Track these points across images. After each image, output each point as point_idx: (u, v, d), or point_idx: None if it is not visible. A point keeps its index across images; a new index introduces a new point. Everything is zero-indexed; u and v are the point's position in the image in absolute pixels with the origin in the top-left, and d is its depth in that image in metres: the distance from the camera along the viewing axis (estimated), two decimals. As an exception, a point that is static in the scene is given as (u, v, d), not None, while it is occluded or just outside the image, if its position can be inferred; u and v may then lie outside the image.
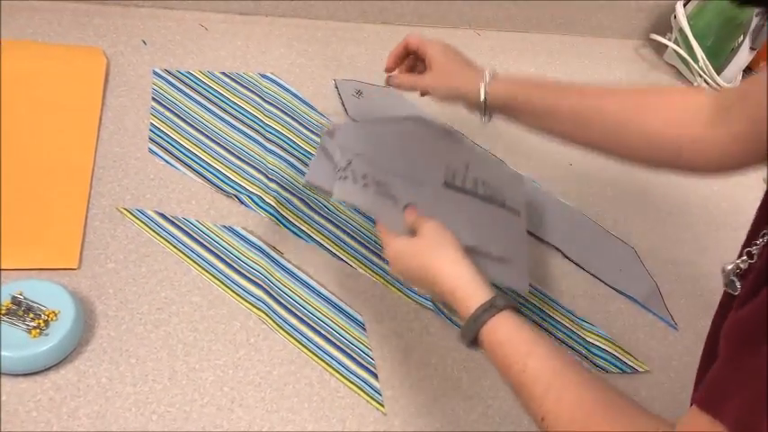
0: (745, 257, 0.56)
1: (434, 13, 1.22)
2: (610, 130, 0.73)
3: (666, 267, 0.97)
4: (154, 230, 0.81)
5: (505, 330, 0.60)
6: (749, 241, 0.57)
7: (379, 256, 0.86)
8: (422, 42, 0.83)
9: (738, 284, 0.56)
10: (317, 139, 0.97)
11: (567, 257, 0.94)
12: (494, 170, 0.88)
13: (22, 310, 0.68)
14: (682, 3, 1.28)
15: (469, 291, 0.63)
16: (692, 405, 0.47)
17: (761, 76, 0.63)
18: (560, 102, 0.75)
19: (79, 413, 0.66)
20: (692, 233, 1.04)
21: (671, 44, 1.30)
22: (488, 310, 0.61)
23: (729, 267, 0.57)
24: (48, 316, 0.68)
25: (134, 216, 0.82)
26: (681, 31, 1.27)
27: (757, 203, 0.58)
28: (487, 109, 0.78)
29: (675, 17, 1.29)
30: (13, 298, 0.69)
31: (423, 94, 0.84)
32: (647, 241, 1.00)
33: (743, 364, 0.43)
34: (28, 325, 0.68)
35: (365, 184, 0.74)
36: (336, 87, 1.05)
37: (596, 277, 0.93)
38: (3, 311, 0.68)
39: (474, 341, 0.62)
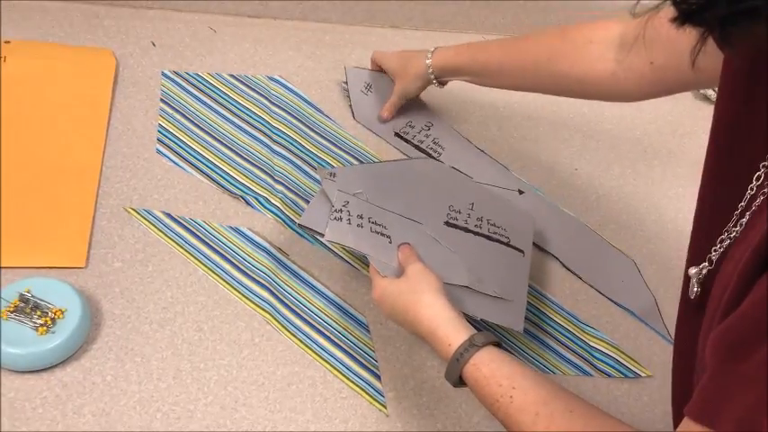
0: (705, 264, 0.56)
1: (442, 17, 1.23)
2: (529, 77, 0.88)
3: (667, 273, 0.97)
4: (160, 230, 0.82)
5: (488, 366, 0.61)
6: (707, 245, 0.56)
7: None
8: (379, 59, 1.03)
9: (696, 289, 0.57)
10: (324, 143, 0.98)
11: (566, 267, 0.94)
12: (501, 209, 0.88)
13: (29, 307, 0.69)
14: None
15: (447, 331, 0.65)
16: (682, 416, 0.47)
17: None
18: (490, 57, 0.90)
19: (84, 411, 0.67)
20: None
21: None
22: (468, 349, 0.62)
23: (694, 271, 0.58)
24: (55, 314, 0.69)
25: (141, 216, 0.83)
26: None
27: None
28: (437, 77, 0.95)
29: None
30: (21, 296, 0.70)
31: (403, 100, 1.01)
32: (648, 249, 1.00)
33: (735, 372, 0.43)
34: (35, 323, 0.68)
35: (359, 225, 0.76)
36: (346, 76, 1.06)
37: (595, 289, 0.93)
38: (10, 309, 0.69)
39: (460, 380, 0.64)
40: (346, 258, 0.86)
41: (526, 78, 0.89)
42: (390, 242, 0.77)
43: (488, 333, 0.65)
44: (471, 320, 0.70)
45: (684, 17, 0.41)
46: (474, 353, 0.62)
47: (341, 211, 0.76)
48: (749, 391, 0.42)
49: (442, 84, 0.97)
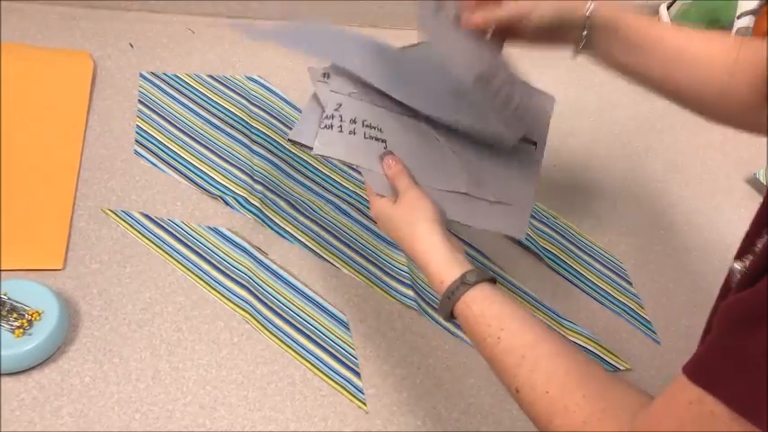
0: (749, 255, 0.54)
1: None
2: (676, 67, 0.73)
3: (648, 267, 0.98)
4: (139, 231, 0.82)
5: (479, 305, 0.61)
6: (751, 241, 0.55)
7: (364, 257, 0.87)
8: None
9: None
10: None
11: (545, 263, 0.95)
12: (518, 89, 0.77)
13: (5, 310, 0.69)
14: (665, 5, 1.30)
15: (441, 266, 0.64)
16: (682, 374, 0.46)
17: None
18: (659, 32, 0.74)
19: (62, 412, 0.67)
20: (675, 228, 1.05)
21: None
22: (459, 287, 0.62)
23: (738, 267, 0.55)
24: (32, 316, 0.69)
25: (119, 217, 0.83)
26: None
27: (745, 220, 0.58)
28: (588, 29, 0.73)
29: (660, 20, 1.30)
30: (-2, 298, 0.70)
31: (500, 30, 0.74)
32: (627, 244, 1.01)
33: (740, 344, 0.43)
34: (11, 325, 0.68)
35: (352, 131, 0.71)
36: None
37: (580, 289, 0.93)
38: (-13, 312, 0.69)
39: (451, 315, 0.63)
40: (325, 257, 0.86)
41: (680, 64, 0.73)
42: (386, 147, 0.72)
43: (483, 270, 0.64)
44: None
45: None
46: (465, 291, 0.62)
47: (332, 117, 0.71)
48: (753, 370, 0.42)
49: (579, 43, 0.75)
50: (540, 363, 0.56)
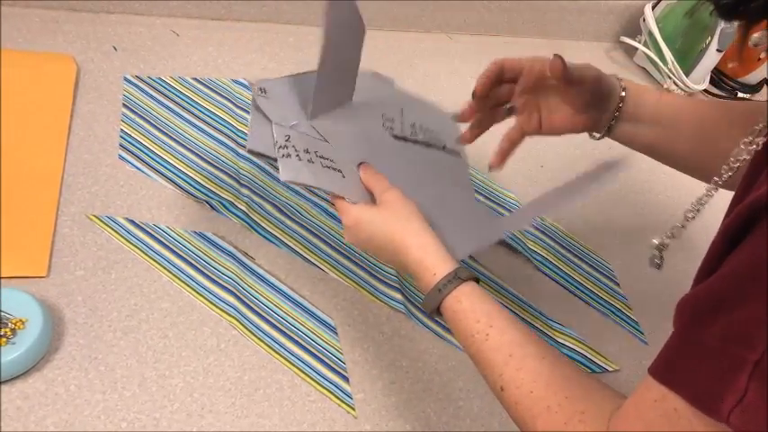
0: None
1: (406, 17, 1.23)
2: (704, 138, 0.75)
3: (635, 268, 0.99)
4: (124, 237, 0.81)
5: (469, 299, 0.62)
6: None
7: (352, 260, 0.87)
8: (521, 61, 0.77)
9: None
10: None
11: (534, 266, 0.95)
12: (426, 111, 0.84)
13: (-12, 319, 0.68)
14: (650, 6, 1.30)
15: (435, 261, 0.64)
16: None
17: None
18: (682, 114, 0.75)
19: (47, 422, 0.66)
20: (661, 229, 1.06)
21: (641, 46, 1.32)
22: (452, 281, 0.62)
23: None
24: (15, 324, 0.68)
25: (103, 223, 0.82)
26: (650, 33, 1.29)
27: None
28: (622, 110, 0.76)
29: (644, 20, 1.30)
30: (-20, 307, 0.69)
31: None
32: (615, 244, 1.01)
33: (696, 339, 0.44)
34: (-5, 334, 0.67)
35: (310, 160, 0.71)
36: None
37: (573, 294, 0.94)
38: (-31, 321, 0.68)
39: (437, 310, 0.64)
40: (313, 261, 0.86)
41: (703, 139, 0.75)
42: (344, 176, 0.72)
43: (470, 270, 0.65)
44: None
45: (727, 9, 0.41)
46: (457, 285, 0.62)
47: (285, 147, 0.70)
48: (708, 361, 0.43)
49: (610, 121, 0.77)
50: (527, 362, 0.56)
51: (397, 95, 0.85)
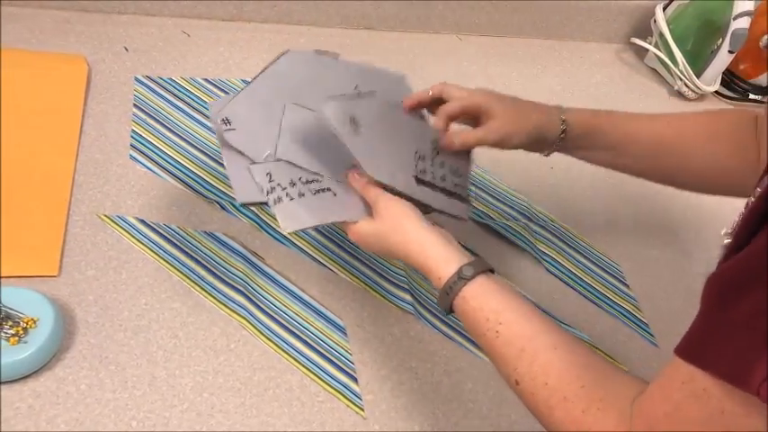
0: None
1: (417, 18, 1.23)
2: (660, 154, 0.78)
3: (645, 269, 0.98)
4: (134, 237, 0.82)
5: (477, 299, 0.62)
6: None
7: (361, 261, 0.87)
8: (461, 95, 0.77)
9: None
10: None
11: (543, 266, 0.94)
12: (379, 80, 0.81)
13: (1, 317, 0.68)
14: (661, 6, 1.30)
15: (438, 264, 0.64)
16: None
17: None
18: (628, 122, 0.79)
19: (58, 421, 0.66)
20: (671, 229, 1.05)
21: (651, 48, 1.32)
22: (457, 282, 0.62)
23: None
24: (27, 323, 0.69)
25: (114, 223, 0.82)
26: (661, 34, 1.29)
27: None
28: (563, 139, 0.78)
29: (655, 21, 1.30)
30: (-8, 306, 0.69)
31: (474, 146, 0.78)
32: (624, 245, 1.01)
33: (725, 316, 0.44)
34: (6, 333, 0.68)
35: (300, 194, 0.71)
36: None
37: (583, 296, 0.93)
38: (-19, 319, 0.68)
39: (451, 309, 0.64)
40: (323, 261, 0.86)
41: (657, 156, 0.78)
42: (335, 194, 0.72)
43: (481, 261, 0.64)
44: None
45: None
46: (462, 286, 0.62)
47: (273, 189, 0.70)
48: (737, 337, 0.42)
49: (553, 149, 0.80)
50: (539, 355, 0.56)
51: (345, 71, 0.81)
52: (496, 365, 0.60)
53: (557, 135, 0.78)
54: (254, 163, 0.71)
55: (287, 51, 0.79)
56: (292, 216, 0.69)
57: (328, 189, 0.72)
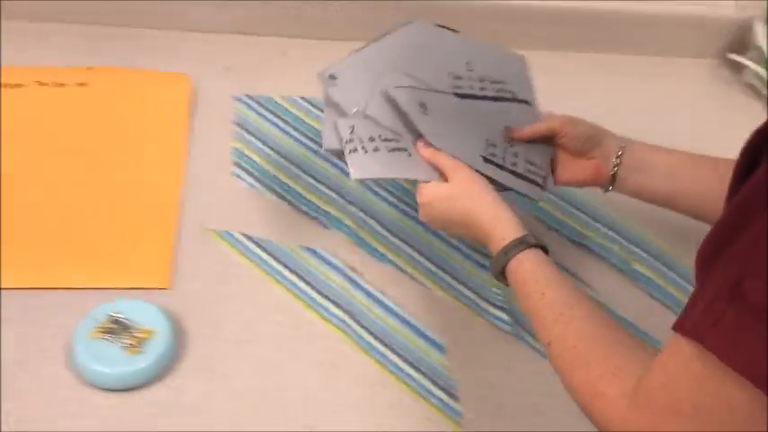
0: None
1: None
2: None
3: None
4: (239, 251, 0.84)
5: (531, 264, 0.67)
6: None
7: (458, 280, 0.87)
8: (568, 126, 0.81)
9: None
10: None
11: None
12: (494, 59, 0.86)
13: (119, 328, 0.72)
14: (763, 21, 1.26)
15: (505, 228, 0.69)
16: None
17: None
18: (683, 159, 0.81)
19: (176, 428, 0.68)
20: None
21: (750, 63, 1.28)
22: (518, 245, 0.68)
23: None
24: (143, 334, 0.71)
25: (220, 237, 0.85)
26: (759, 49, 1.25)
27: None
28: (620, 167, 0.80)
29: (754, 35, 1.26)
30: (111, 317, 0.72)
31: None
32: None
33: (710, 282, 0.46)
34: (124, 343, 0.71)
35: (375, 149, 0.73)
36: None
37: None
38: (101, 330, 0.71)
39: (502, 273, 0.68)
40: (420, 279, 0.86)
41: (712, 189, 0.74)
42: (410, 155, 0.75)
43: (539, 239, 0.69)
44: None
45: None
46: (522, 249, 0.67)
47: (351, 140, 0.73)
48: (717, 300, 0.44)
49: (609, 184, 0.82)
50: (574, 321, 0.61)
51: (461, 46, 0.85)
52: (534, 325, 0.65)
53: (614, 159, 0.81)
54: (343, 116, 0.75)
55: (410, 22, 0.85)
56: (363, 165, 0.72)
57: (404, 149, 0.75)
